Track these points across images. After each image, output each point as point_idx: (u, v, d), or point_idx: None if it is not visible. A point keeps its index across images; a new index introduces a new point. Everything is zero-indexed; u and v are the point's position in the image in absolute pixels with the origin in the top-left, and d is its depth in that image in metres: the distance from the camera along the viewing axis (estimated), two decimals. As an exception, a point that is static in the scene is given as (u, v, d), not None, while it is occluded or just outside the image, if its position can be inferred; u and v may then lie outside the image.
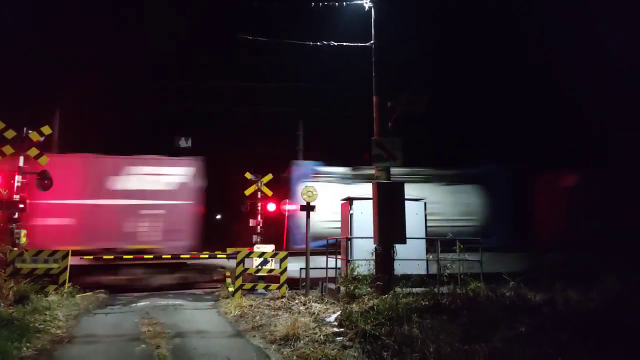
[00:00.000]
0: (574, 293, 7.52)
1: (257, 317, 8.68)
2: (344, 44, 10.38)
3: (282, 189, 17.59)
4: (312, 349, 6.21)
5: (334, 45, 10.37)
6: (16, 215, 11.55)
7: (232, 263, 13.09)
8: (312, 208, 11.27)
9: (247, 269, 11.79)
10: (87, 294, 11.82)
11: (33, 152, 12.02)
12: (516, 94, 22.61)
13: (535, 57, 22.95)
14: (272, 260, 12.08)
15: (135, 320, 8.80)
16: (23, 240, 11.51)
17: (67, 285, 10.90)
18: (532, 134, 22.03)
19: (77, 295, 10.95)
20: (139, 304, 11.08)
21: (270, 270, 12.13)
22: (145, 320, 8.71)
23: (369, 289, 9.22)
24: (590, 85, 20.02)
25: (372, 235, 9.57)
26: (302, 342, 6.66)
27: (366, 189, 10.71)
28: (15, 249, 11.09)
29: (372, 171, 10.19)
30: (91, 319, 9.03)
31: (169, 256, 14.18)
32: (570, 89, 20.79)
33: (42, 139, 12.25)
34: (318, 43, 10.43)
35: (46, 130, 12.35)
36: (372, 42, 10.13)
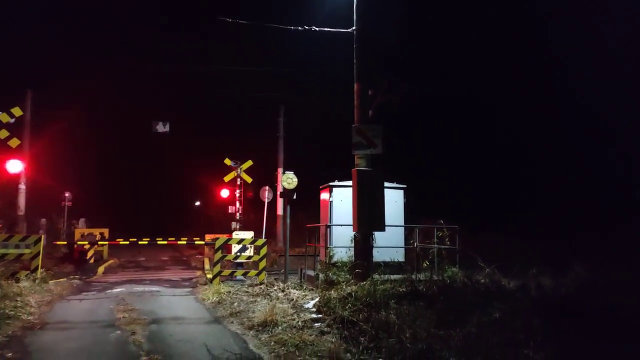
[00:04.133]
0: (546, 279, 7.70)
1: (235, 304, 8.64)
2: (326, 29, 10.26)
3: (262, 175, 17.49)
4: (290, 335, 6.22)
5: (315, 30, 10.24)
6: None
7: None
8: (292, 194, 11.23)
9: (225, 255, 11.72)
10: (61, 280, 11.60)
11: (3, 134, 11.62)
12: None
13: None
14: (250, 247, 12.03)
15: (110, 307, 8.67)
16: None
17: (39, 271, 10.65)
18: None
19: (51, 282, 10.72)
20: (114, 290, 10.92)
21: (249, 257, 12.09)
22: (120, 307, 8.59)
23: (347, 275, 9.27)
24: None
25: (351, 222, 9.60)
26: (280, 328, 6.66)
27: None
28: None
29: None
30: (65, 305, 8.86)
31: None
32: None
33: (12, 120, 11.85)
34: (299, 28, 10.28)
35: (17, 111, 11.95)
36: (353, 28, 10.04)
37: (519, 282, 7.76)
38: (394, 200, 11.22)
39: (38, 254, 10.76)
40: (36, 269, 10.61)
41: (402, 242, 11.18)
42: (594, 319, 5.18)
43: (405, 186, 11.76)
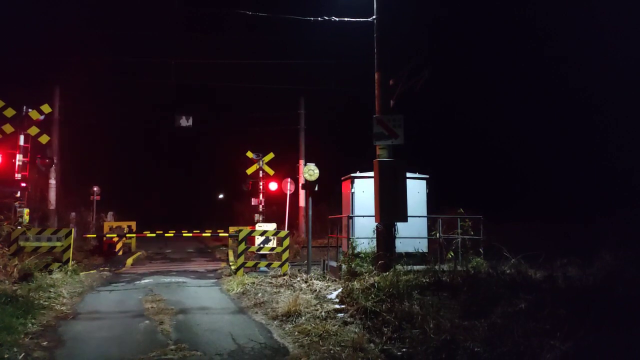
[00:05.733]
0: (573, 269, 7.55)
1: (259, 294, 8.76)
2: (345, 19, 10.19)
3: (284, 167, 17.56)
4: (313, 325, 6.28)
5: (335, 20, 10.18)
6: (18, 194, 11.60)
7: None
8: (314, 186, 11.25)
9: (249, 247, 11.86)
10: (91, 271, 11.96)
11: (33, 130, 11.98)
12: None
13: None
14: (273, 238, 12.13)
15: (139, 297, 8.90)
16: (26, 218, 11.58)
17: (70, 263, 11.00)
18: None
19: (81, 273, 11.06)
20: (142, 281, 11.19)
21: (272, 249, 12.20)
22: (148, 297, 8.81)
23: (370, 266, 9.27)
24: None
25: (373, 213, 9.57)
26: (303, 318, 6.73)
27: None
28: (19, 227, 11.17)
29: None
30: (95, 296, 9.13)
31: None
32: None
33: (42, 117, 12.19)
34: (319, 19, 10.24)
35: (46, 108, 12.28)
36: (374, 17, 9.93)
37: (546, 273, 7.62)
38: (416, 190, 11.13)
39: (69, 246, 11.10)
40: (67, 261, 10.96)
41: (425, 233, 11.10)
42: (622, 309, 5.05)
43: (427, 176, 11.64)
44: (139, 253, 18.35)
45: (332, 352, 5.31)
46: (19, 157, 11.92)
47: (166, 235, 15.92)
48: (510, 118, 21.52)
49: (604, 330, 4.66)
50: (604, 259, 7.56)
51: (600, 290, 5.78)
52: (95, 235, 17.66)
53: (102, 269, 12.90)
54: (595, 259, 7.71)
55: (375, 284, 7.36)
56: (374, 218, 9.58)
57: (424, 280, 7.53)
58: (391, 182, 9.27)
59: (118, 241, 16.73)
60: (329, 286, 8.94)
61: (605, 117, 18.13)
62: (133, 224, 18.67)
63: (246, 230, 12.43)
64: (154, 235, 16.13)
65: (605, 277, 6.46)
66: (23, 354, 5.24)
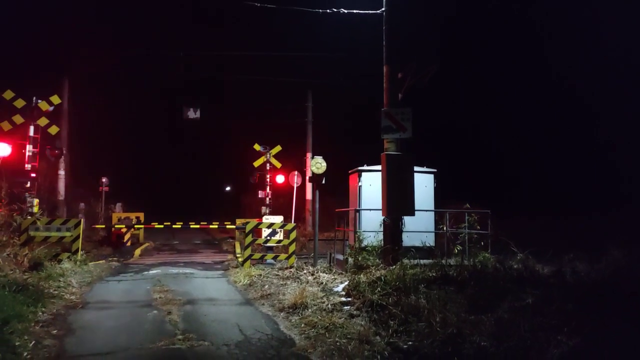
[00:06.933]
0: (581, 265, 7.50)
1: (266, 286, 8.81)
2: (354, 11, 10.12)
3: (291, 160, 17.55)
4: (319, 317, 6.31)
5: (343, 12, 10.12)
6: (28, 184, 11.72)
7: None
8: (321, 179, 11.25)
9: (255, 239, 11.91)
10: (100, 262, 12.07)
11: (43, 121, 12.07)
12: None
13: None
14: (280, 231, 12.17)
15: (147, 288, 8.98)
16: (35, 208, 11.70)
17: (80, 253, 11.12)
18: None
19: (90, 263, 11.18)
20: (150, 271, 11.29)
21: (279, 241, 12.25)
22: (157, 288, 8.89)
23: (376, 260, 9.29)
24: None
25: (380, 207, 9.57)
26: (310, 310, 6.76)
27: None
28: (29, 217, 11.29)
29: None
30: (104, 286, 9.24)
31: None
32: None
33: (51, 108, 12.28)
34: (328, 10, 10.19)
35: (55, 99, 12.36)
36: (383, 9, 9.86)
37: (553, 268, 7.59)
38: (423, 184, 11.11)
39: (78, 236, 11.21)
40: (76, 251, 11.08)
41: (432, 227, 11.08)
42: (630, 305, 5.03)
43: (435, 170, 11.61)
44: (147, 244, 18.49)
45: (338, 344, 5.34)
46: (29, 148, 12.02)
47: (174, 226, 16.05)
48: (516, 114, 21.33)
49: (612, 326, 4.64)
50: (613, 255, 7.49)
51: (608, 286, 5.75)
52: (104, 226, 17.82)
53: (110, 259, 13.02)
54: (603, 255, 7.65)
55: (382, 277, 7.37)
56: (381, 211, 9.58)
57: (431, 274, 7.52)
58: (399, 176, 9.25)
59: (126, 232, 16.85)
60: (335, 279, 8.96)
61: (608, 114, 17.93)
62: (141, 215, 18.78)
63: (253, 222, 12.48)
64: (162, 226, 16.27)
65: (614, 273, 6.42)
66: (34, 342, 5.32)
